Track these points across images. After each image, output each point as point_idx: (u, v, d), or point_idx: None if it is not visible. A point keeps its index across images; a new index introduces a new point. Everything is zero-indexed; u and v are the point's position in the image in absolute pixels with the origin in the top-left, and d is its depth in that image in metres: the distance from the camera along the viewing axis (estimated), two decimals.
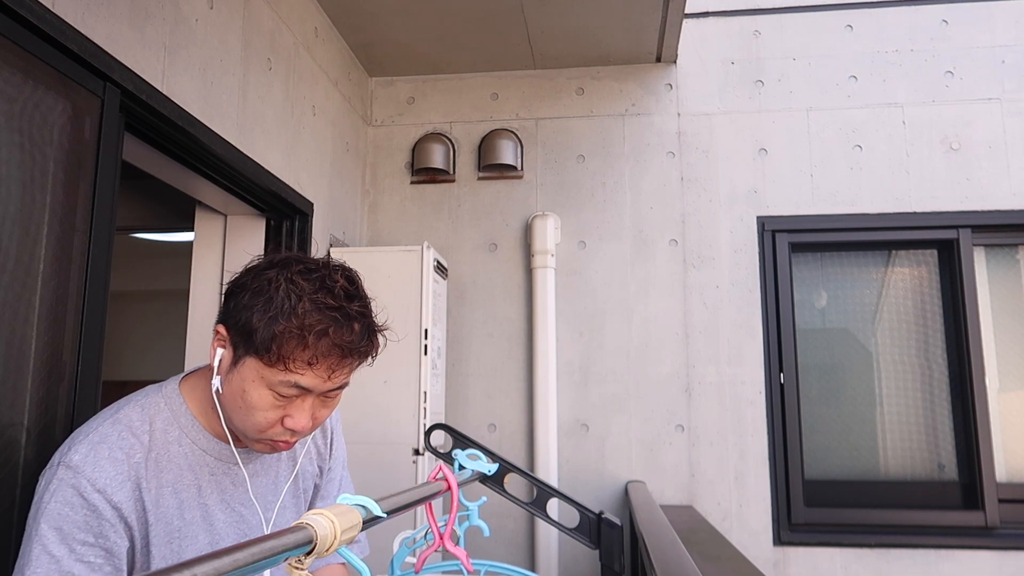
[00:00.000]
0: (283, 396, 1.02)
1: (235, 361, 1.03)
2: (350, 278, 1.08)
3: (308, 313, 0.99)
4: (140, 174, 2.01)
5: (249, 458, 1.15)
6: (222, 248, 2.51)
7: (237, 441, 1.12)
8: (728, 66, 3.18)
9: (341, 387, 1.08)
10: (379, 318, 1.10)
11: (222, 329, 1.05)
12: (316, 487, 1.29)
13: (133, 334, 5.16)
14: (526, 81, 3.27)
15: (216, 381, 1.05)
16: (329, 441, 1.30)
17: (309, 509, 1.27)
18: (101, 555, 0.96)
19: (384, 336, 1.10)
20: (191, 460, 1.08)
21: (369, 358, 1.09)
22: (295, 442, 1.10)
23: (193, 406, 1.10)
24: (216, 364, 1.05)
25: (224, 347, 1.05)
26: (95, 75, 1.51)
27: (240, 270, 1.09)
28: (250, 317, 1.00)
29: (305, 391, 1.03)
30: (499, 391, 3.07)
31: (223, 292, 1.09)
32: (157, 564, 1.02)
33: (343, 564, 1.32)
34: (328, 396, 1.08)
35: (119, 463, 1.00)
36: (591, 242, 3.12)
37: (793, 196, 3.05)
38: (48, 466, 1.01)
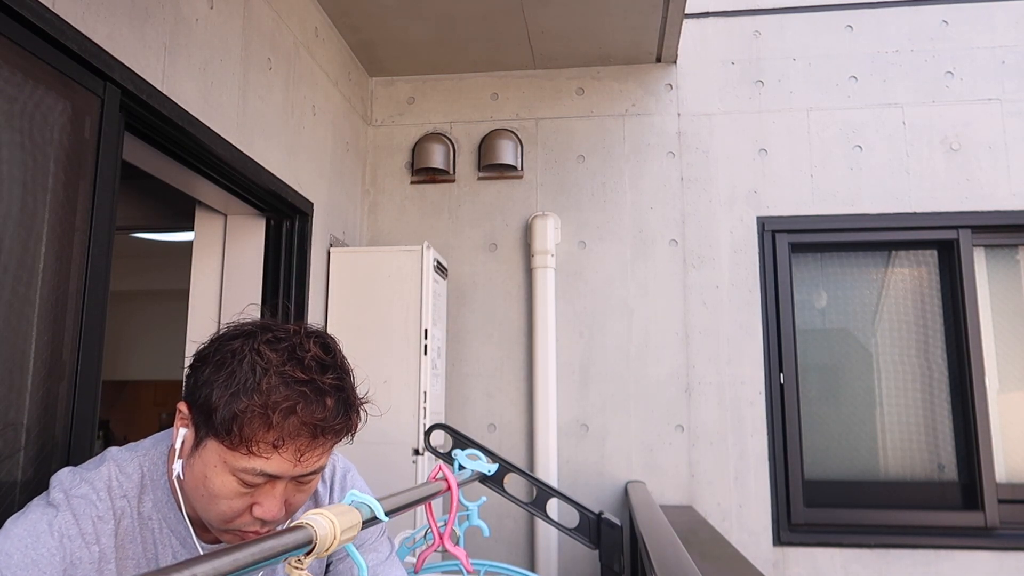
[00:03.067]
0: (249, 484, 0.92)
1: (196, 443, 0.94)
2: (325, 345, 0.97)
3: (274, 388, 0.89)
4: (140, 174, 2.01)
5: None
6: (222, 248, 2.51)
7: (205, 531, 1.02)
8: (728, 66, 3.18)
9: (316, 471, 0.96)
10: (360, 389, 0.99)
11: (183, 407, 0.95)
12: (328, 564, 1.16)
13: (133, 334, 5.16)
14: (526, 81, 3.27)
15: (177, 466, 0.95)
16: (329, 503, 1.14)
17: None
18: None
19: (365, 411, 0.99)
20: (156, 538, 0.99)
21: (347, 436, 0.97)
22: (267, 532, 0.97)
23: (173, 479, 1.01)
24: (178, 446, 0.95)
25: (187, 427, 0.95)
26: (95, 75, 1.51)
27: (206, 340, 0.99)
28: (210, 394, 0.90)
29: (273, 478, 0.92)
30: (499, 391, 3.07)
31: (191, 362, 0.99)
32: None
33: None
34: (301, 481, 0.96)
35: (86, 521, 0.93)
36: (591, 242, 3.12)
37: (793, 196, 3.05)
38: (37, 498, 0.97)
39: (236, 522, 0.94)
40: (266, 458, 0.90)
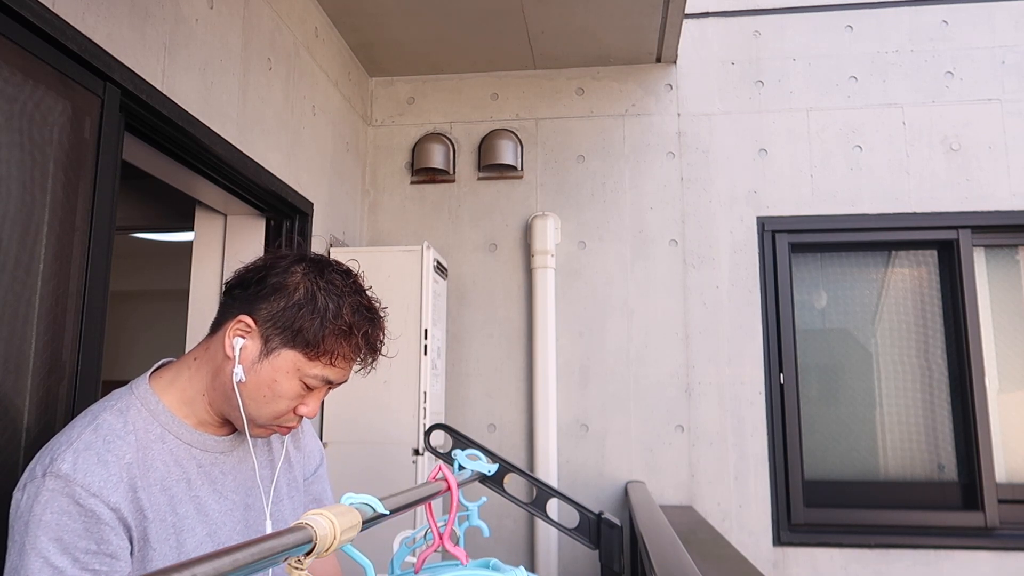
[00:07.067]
0: (309, 387, 1.10)
1: (267, 352, 1.08)
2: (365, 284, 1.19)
3: (351, 314, 1.09)
4: (140, 174, 2.01)
5: (232, 446, 1.16)
6: (222, 248, 2.51)
7: (230, 427, 1.16)
8: (728, 66, 3.18)
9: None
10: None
11: (248, 320, 1.08)
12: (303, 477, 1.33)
13: (133, 334, 5.16)
14: (526, 81, 3.27)
15: (239, 370, 1.08)
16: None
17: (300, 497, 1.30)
18: (106, 561, 0.95)
19: (385, 334, 1.20)
20: (177, 455, 1.09)
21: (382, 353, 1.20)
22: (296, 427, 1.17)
23: (169, 401, 1.10)
24: (237, 353, 1.08)
25: (245, 337, 1.09)
26: (95, 75, 1.51)
27: (260, 263, 1.13)
28: (295, 315, 1.07)
29: (329, 383, 1.12)
30: (499, 391, 3.07)
31: (238, 283, 1.13)
32: (158, 561, 1.01)
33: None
34: (334, 387, 1.16)
35: (109, 465, 0.98)
36: (591, 242, 3.12)
37: (793, 196, 3.05)
38: (28, 479, 0.97)
39: (282, 418, 1.12)
40: (341, 368, 1.10)
